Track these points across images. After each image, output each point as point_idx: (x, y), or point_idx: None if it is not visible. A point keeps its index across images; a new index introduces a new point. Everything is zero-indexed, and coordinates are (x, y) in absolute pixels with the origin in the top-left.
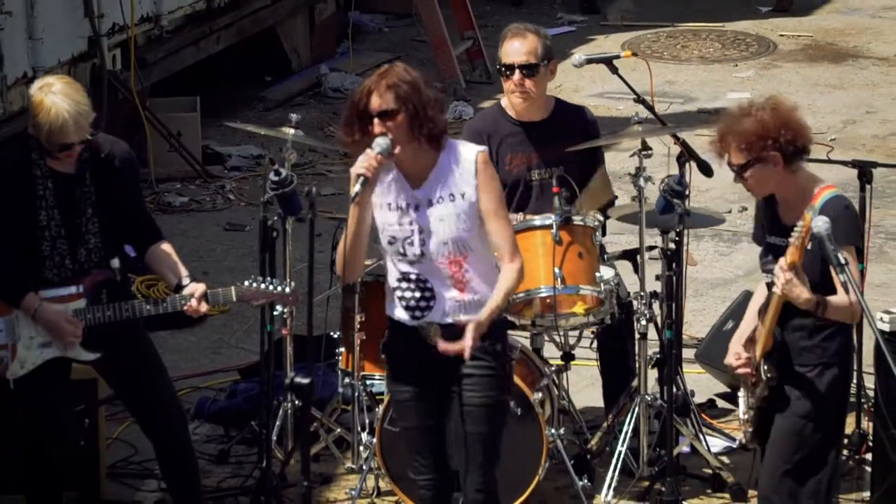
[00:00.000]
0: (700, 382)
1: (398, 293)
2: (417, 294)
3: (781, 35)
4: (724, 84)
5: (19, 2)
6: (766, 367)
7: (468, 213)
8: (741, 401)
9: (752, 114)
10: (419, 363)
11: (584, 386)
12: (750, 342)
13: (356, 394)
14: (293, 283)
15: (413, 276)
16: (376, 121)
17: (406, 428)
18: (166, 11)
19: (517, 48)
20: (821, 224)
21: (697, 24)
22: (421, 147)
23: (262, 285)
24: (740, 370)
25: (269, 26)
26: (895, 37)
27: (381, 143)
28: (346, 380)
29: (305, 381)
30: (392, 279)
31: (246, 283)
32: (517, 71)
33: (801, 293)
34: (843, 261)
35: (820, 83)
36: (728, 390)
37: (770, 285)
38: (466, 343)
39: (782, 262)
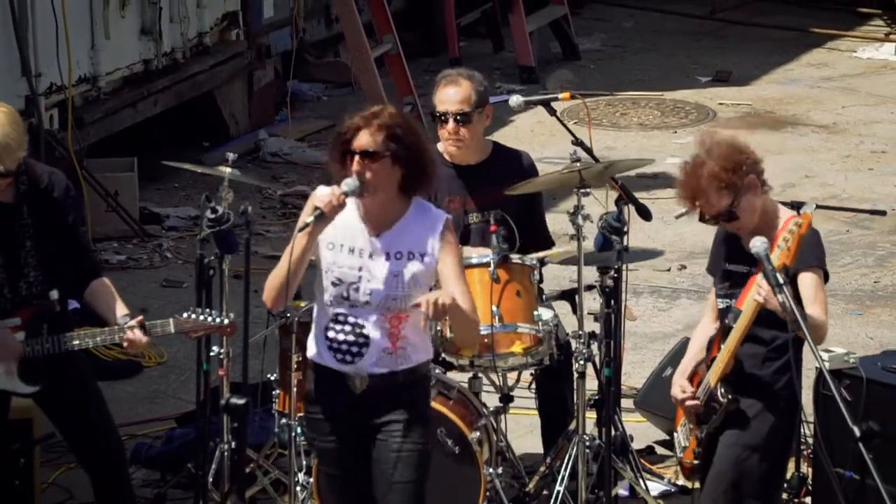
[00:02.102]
0: (639, 430)
1: (330, 333)
2: (351, 338)
3: (721, 104)
4: (664, 149)
5: None
6: (723, 391)
7: (423, 274)
8: (679, 436)
9: (707, 159)
10: (343, 411)
11: (522, 434)
12: (693, 377)
13: (293, 434)
14: (231, 315)
15: (351, 320)
16: (357, 158)
17: (331, 476)
18: (104, 73)
19: (451, 96)
20: (759, 244)
21: (637, 93)
22: (392, 197)
23: (201, 317)
24: (687, 403)
25: (208, 91)
26: (833, 106)
27: (349, 183)
28: (283, 420)
29: (241, 401)
30: (323, 320)
31: (184, 314)
32: (451, 119)
33: (784, 301)
34: (781, 280)
35: (759, 149)
36: (667, 437)
37: (725, 312)
38: (430, 311)
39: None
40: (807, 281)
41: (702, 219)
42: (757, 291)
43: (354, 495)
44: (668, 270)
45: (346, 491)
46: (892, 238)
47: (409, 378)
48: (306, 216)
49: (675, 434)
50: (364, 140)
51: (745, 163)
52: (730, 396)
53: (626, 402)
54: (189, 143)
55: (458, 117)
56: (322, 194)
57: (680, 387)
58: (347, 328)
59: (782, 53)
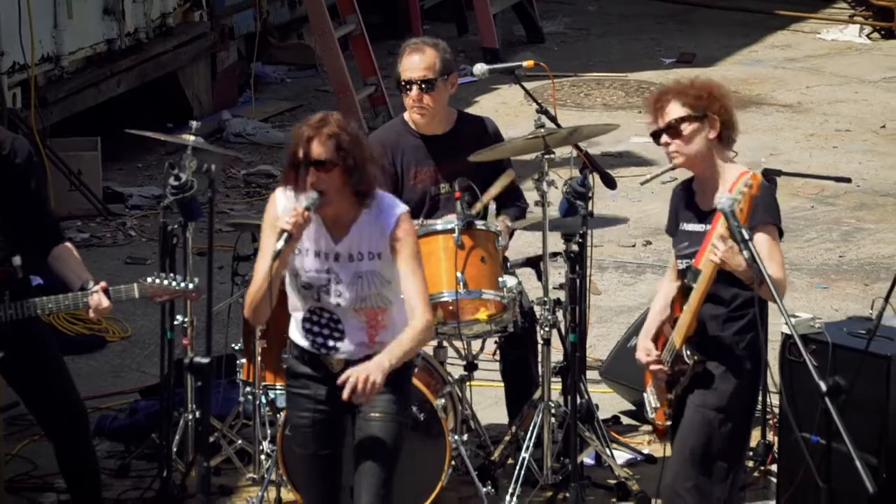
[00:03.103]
0: (604, 400)
1: (306, 325)
2: (326, 332)
3: None
4: (628, 129)
5: None
6: (689, 352)
7: (384, 271)
8: (649, 397)
9: (696, 83)
10: (320, 388)
11: (487, 405)
12: (658, 337)
13: (257, 402)
14: (196, 280)
15: (326, 315)
16: (311, 170)
17: (303, 455)
18: (67, 52)
19: (415, 63)
20: (724, 200)
21: (601, 74)
22: (347, 201)
23: (165, 282)
24: (653, 367)
25: (171, 72)
26: (797, 86)
27: (310, 197)
28: (248, 389)
29: (205, 360)
30: (300, 313)
31: (149, 279)
32: (415, 86)
33: (742, 261)
34: (746, 236)
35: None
36: (633, 407)
37: (684, 272)
38: (359, 388)
39: (722, 230)
40: (760, 238)
41: (652, 135)
42: (712, 251)
43: (321, 475)
44: (633, 246)
45: (312, 470)
46: (857, 214)
47: None
48: (276, 243)
49: (644, 394)
50: (316, 150)
51: (718, 103)
52: (696, 357)
53: (591, 374)
54: (152, 125)
55: (423, 84)
56: (286, 216)
57: (645, 350)
58: (323, 321)
59: (746, 35)
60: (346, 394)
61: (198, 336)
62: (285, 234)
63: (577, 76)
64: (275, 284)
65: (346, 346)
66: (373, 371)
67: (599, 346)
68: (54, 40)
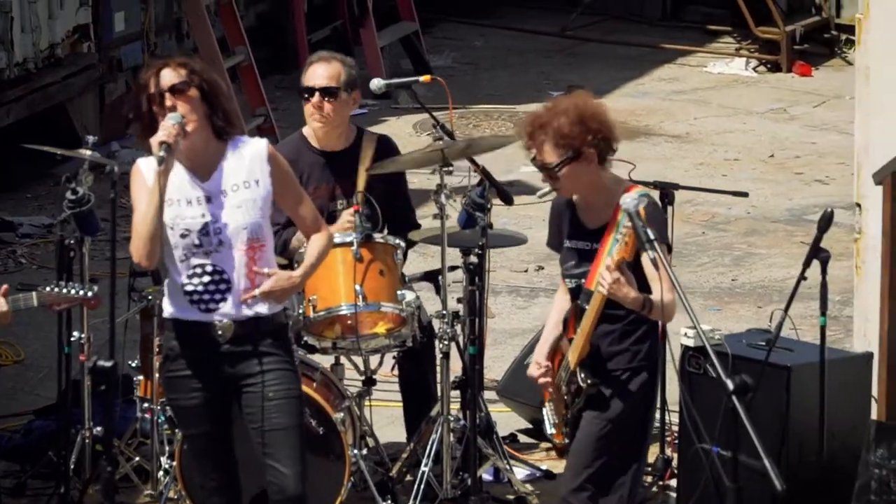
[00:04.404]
0: (501, 419)
1: (188, 287)
2: (212, 287)
3: None
4: (518, 159)
5: None
6: (583, 375)
7: (264, 199)
8: (548, 413)
9: (563, 111)
10: (207, 364)
11: (385, 424)
12: (552, 353)
13: (155, 417)
14: (95, 287)
15: (209, 268)
16: (167, 95)
17: (194, 436)
18: None
19: (320, 73)
20: (629, 200)
21: (489, 105)
22: (210, 137)
23: (64, 290)
24: (541, 380)
25: (60, 103)
26: (685, 117)
27: (174, 116)
28: (145, 405)
29: (108, 363)
30: (180, 277)
31: (48, 288)
32: (317, 94)
33: (629, 292)
34: (652, 236)
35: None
36: (530, 425)
37: (575, 291)
38: (266, 285)
39: (608, 261)
40: (647, 260)
41: (533, 160)
42: (599, 283)
43: (218, 452)
44: (526, 271)
45: (209, 448)
46: (748, 239)
47: (271, 325)
48: (156, 155)
49: (543, 410)
50: (168, 77)
51: (596, 134)
52: (589, 381)
53: (488, 394)
54: (41, 155)
55: (325, 92)
56: (160, 131)
57: (536, 363)
58: (206, 278)
59: (633, 69)
60: (259, 291)
61: (96, 353)
62: (164, 146)
63: (466, 108)
64: (160, 206)
65: (231, 300)
66: (284, 280)
67: (495, 367)
68: None
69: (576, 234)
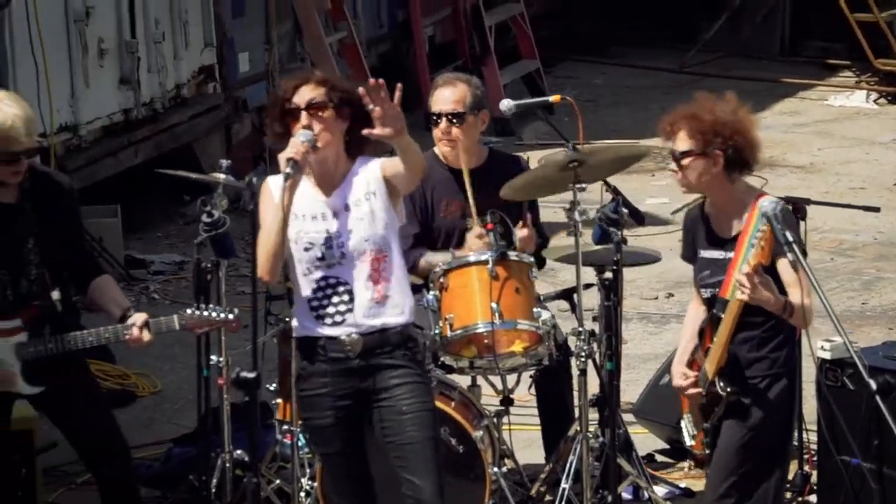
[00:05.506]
0: (638, 440)
1: (314, 303)
2: (336, 298)
3: None
4: (643, 191)
5: None
6: (722, 384)
7: (383, 207)
8: (687, 425)
9: (712, 110)
10: (339, 380)
11: (522, 447)
12: (691, 364)
13: (295, 440)
14: (236, 310)
15: (332, 281)
16: (304, 113)
17: (329, 454)
18: (84, 121)
19: (446, 96)
20: (767, 204)
21: (612, 140)
22: (340, 154)
23: (205, 312)
24: (690, 390)
25: (187, 143)
26: (808, 148)
27: (304, 133)
28: (284, 427)
29: (251, 374)
30: (305, 292)
31: (188, 311)
32: (444, 119)
33: (769, 295)
34: (790, 238)
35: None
36: (667, 446)
37: (710, 301)
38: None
39: (745, 267)
40: (784, 265)
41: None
42: (739, 290)
43: (353, 470)
44: (656, 299)
45: (344, 466)
46: (877, 264)
47: (400, 338)
48: (283, 171)
49: (682, 422)
50: (306, 94)
51: (727, 140)
52: (728, 389)
53: (625, 416)
54: (171, 196)
55: (452, 117)
56: (288, 148)
57: (682, 374)
58: (330, 290)
59: (754, 103)
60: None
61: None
62: (291, 162)
63: (589, 143)
64: (286, 221)
65: (357, 311)
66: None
67: (629, 390)
68: (72, 109)
69: (710, 243)
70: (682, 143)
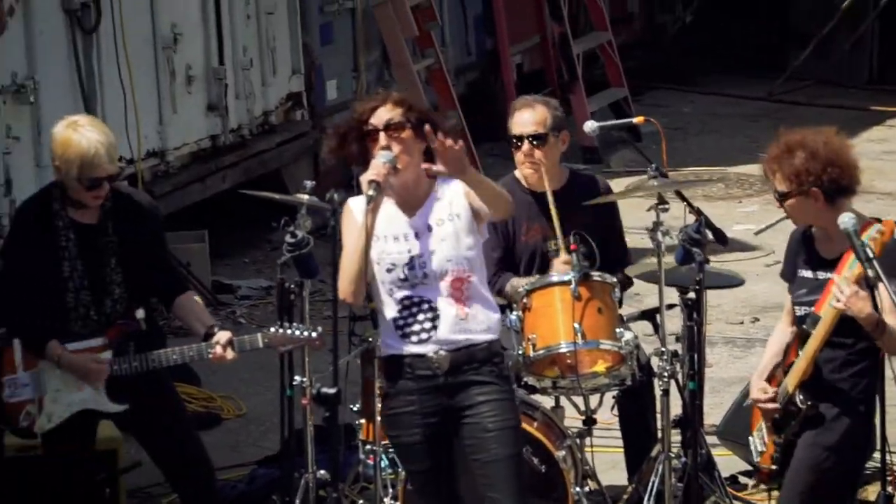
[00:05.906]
0: (721, 462)
1: (399, 322)
2: (420, 316)
3: None
4: (730, 218)
5: (26, 128)
6: (801, 397)
7: (467, 229)
8: (755, 441)
9: (801, 145)
10: (426, 398)
11: (604, 470)
12: (770, 380)
13: (378, 460)
14: (320, 328)
15: (416, 299)
16: (382, 134)
17: (417, 472)
18: (172, 147)
19: (526, 119)
20: (847, 220)
21: (700, 167)
22: (421, 174)
23: (289, 331)
24: (769, 405)
25: (275, 169)
26: None
27: (385, 155)
28: (367, 447)
29: (332, 390)
30: (390, 311)
31: (272, 329)
32: (526, 141)
33: (865, 307)
34: (871, 254)
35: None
36: (750, 468)
37: (803, 318)
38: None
39: (847, 273)
40: (883, 291)
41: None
42: (836, 297)
43: (440, 488)
44: (741, 323)
45: (432, 484)
46: None
47: (487, 354)
48: (366, 193)
49: (750, 438)
50: (384, 115)
51: (822, 175)
52: (808, 403)
53: (708, 438)
54: (257, 222)
55: (533, 139)
56: (370, 169)
57: (761, 388)
58: (415, 308)
59: (842, 131)
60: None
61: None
62: (374, 184)
63: (677, 170)
64: (368, 243)
65: (442, 328)
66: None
67: (713, 414)
68: (160, 135)
69: (811, 263)
70: (780, 184)
